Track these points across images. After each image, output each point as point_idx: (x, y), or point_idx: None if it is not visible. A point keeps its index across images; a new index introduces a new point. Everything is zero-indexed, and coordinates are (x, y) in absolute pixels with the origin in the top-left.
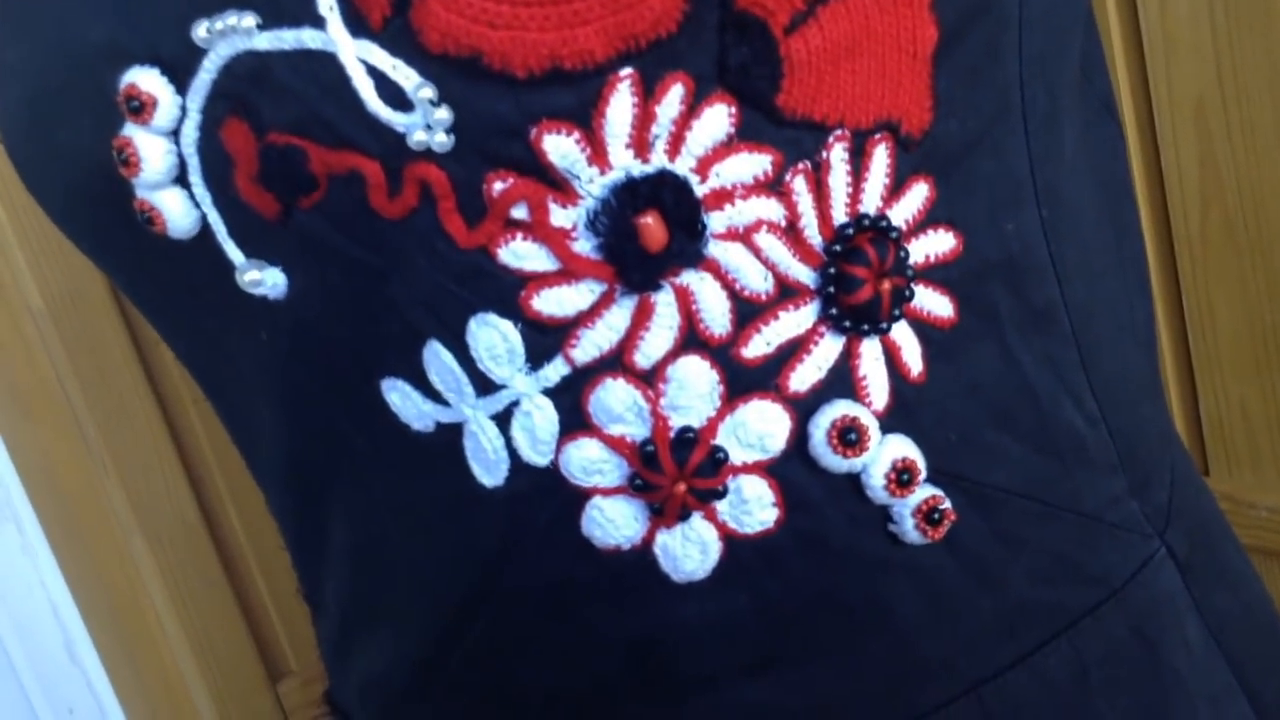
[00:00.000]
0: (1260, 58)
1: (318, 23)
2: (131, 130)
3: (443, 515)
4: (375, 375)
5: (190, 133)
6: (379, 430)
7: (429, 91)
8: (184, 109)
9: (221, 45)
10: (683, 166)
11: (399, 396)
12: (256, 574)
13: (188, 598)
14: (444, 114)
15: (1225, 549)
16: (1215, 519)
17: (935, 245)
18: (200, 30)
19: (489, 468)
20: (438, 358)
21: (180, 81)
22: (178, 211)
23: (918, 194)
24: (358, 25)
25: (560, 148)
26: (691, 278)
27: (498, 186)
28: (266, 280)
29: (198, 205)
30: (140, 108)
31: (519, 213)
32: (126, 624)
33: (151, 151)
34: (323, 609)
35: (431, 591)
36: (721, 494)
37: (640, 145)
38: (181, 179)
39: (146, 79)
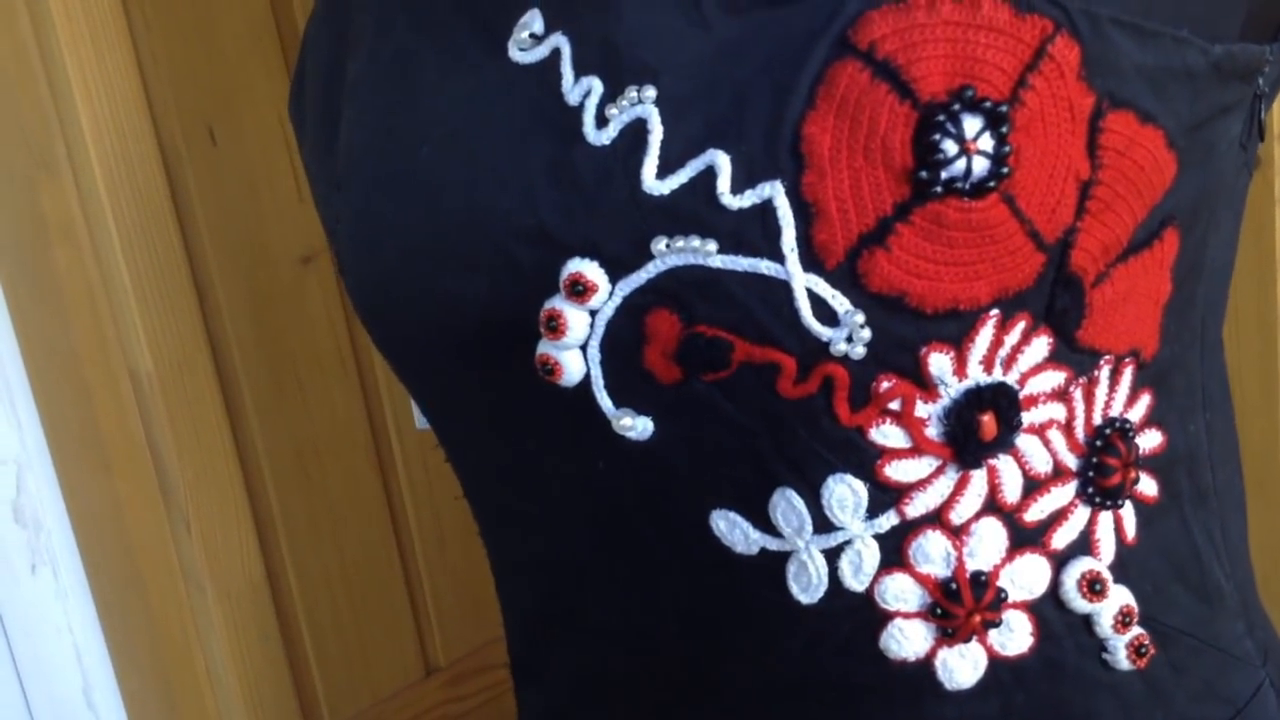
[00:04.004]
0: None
1: (777, 258)
2: (564, 305)
3: (742, 622)
4: (708, 506)
5: (608, 310)
6: (691, 547)
7: (860, 317)
8: (611, 293)
9: (674, 258)
10: (1010, 378)
11: (727, 525)
12: (305, 632)
13: (245, 651)
14: (866, 333)
15: None
16: None
17: (1150, 441)
18: (659, 245)
19: (808, 589)
20: (788, 501)
21: (615, 274)
22: (576, 367)
23: (1144, 402)
24: (810, 263)
25: (938, 363)
26: (1000, 459)
27: (884, 385)
28: (637, 426)
29: (587, 363)
30: (582, 291)
31: (893, 405)
32: (170, 673)
33: (577, 323)
34: (539, 681)
35: (699, 676)
36: (997, 624)
37: (988, 363)
38: (584, 342)
39: (590, 270)
